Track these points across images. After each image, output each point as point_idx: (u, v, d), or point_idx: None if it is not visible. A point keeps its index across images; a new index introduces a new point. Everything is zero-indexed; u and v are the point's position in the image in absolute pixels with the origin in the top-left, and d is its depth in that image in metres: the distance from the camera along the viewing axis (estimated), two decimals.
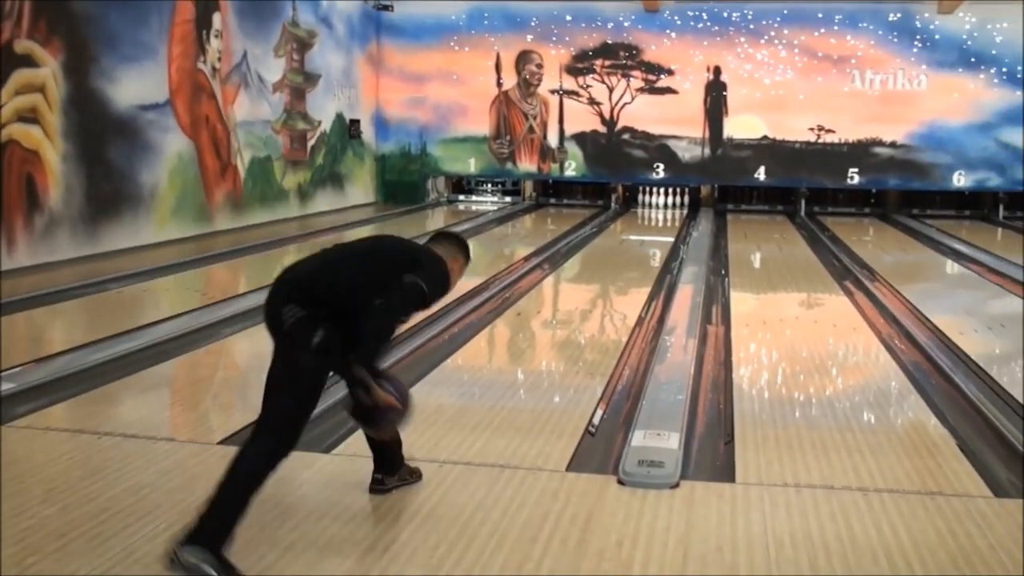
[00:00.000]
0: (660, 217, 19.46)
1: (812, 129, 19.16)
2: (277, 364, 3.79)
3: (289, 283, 3.83)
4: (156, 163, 12.50)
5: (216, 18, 13.76)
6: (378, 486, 4.26)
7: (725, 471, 4.69)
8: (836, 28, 18.85)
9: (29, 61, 10.24)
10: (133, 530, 3.84)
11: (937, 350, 7.25)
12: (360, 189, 19.39)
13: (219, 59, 13.89)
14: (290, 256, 12.43)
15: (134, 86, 11.94)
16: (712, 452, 5.05)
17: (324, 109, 17.61)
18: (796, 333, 8.27)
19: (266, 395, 3.78)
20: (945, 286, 11.81)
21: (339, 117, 18.26)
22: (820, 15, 18.83)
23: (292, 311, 3.69)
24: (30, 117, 10.27)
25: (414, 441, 4.99)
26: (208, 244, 12.73)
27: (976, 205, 19.27)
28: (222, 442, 4.94)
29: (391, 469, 4.30)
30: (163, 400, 6.16)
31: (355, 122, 18.89)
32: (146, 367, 6.50)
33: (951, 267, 13.00)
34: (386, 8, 19.78)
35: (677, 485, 4.40)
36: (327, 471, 4.55)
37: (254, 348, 7.41)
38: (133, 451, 4.79)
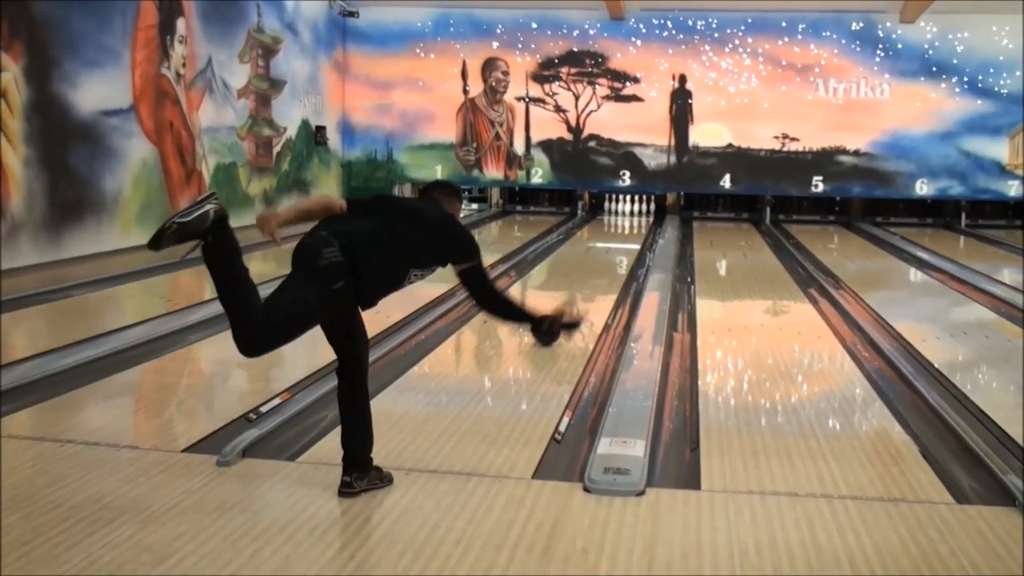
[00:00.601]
0: (626, 224, 19.52)
1: (777, 137, 19.31)
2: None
3: (347, 235, 4.19)
4: (120, 169, 12.41)
5: (180, 23, 13.68)
6: (347, 489, 4.26)
7: (691, 478, 4.71)
8: (800, 37, 19.01)
9: None
10: (97, 537, 3.80)
11: (900, 357, 7.31)
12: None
13: (183, 64, 13.82)
14: (256, 263, 12.36)
15: (97, 91, 11.86)
16: (678, 459, 5.06)
17: (290, 115, 17.55)
18: (761, 340, 8.31)
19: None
20: (908, 293, 11.91)
21: (305, 124, 18.21)
22: (784, 24, 18.98)
23: (333, 253, 4.15)
24: None
25: (380, 448, 4.98)
26: (173, 250, 12.63)
27: (939, 213, 19.48)
28: (186, 450, 4.90)
29: (361, 472, 4.30)
30: (127, 407, 6.11)
31: (321, 128, 18.84)
32: (110, 374, 6.44)
33: (914, 275, 13.11)
34: (352, 15, 19.75)
35: (643, 492, 4.40)
36: (292, 478, 4.53)
37: (220, 354, 7.37)
38: (96, 459, 4.75)
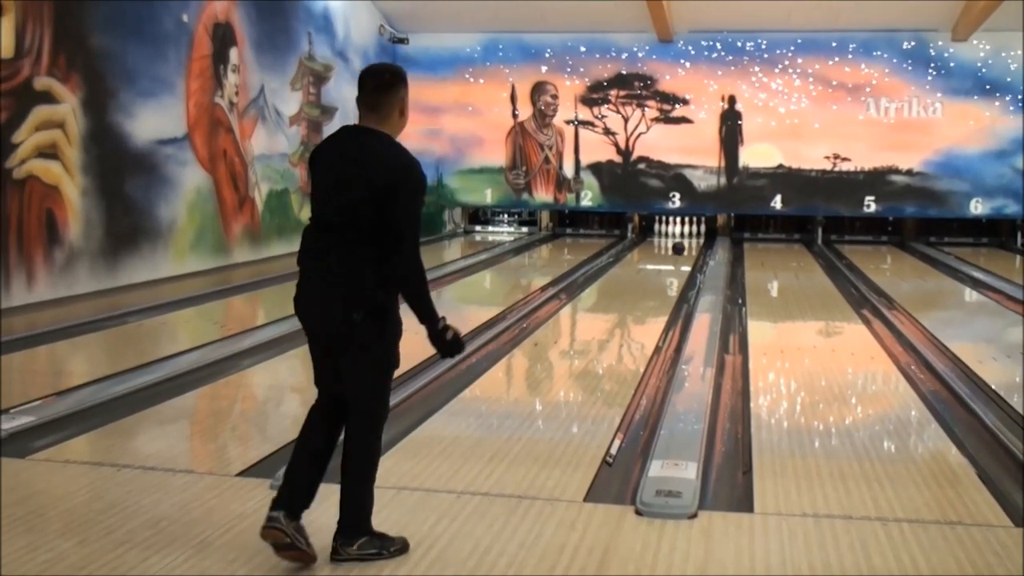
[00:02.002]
0: (678, 246, 19.44)
1: (828, 157, 19.17)
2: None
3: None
4: (174, 197, 12.58)
5: (233, 53, 13.88)
6: (335, 555, 3.86)
7: (743, 501, 4.68)
8: (850, 56, 18.89)
9: (49, 97, 10.34)
10: (151, 563, 3.84)
11: (956, 378, 7.22)
12: None
13: (236, 93, 14.00)
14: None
15: (152, 121, 12.05)
16: (730, 482, 5.03)
17: None
18: (814, 362, 8.25)
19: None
20: (963, 314, 11.77)
21: None
22: (834, 44, 18.88)
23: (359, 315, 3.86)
24: (50, 153, 10.37)
25: (432, 472, 5.01)
26: (227, 276, 12.80)
27: (993, 232, 19.23)
28: (240, 474, 4.95)
29: (351, 536, 3.88)
30: (182, 432, 6.18)
31: None
32: (165, 400, 6.52)
33: (969, 295, 12.95)
34: (401, 41, 19.91)
35: (695, 515, 4.38)
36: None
37: (272, 379, 7.44)
38: (152, 484, 4.81)
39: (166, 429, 6.08)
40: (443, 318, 4.02)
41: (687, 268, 15.12)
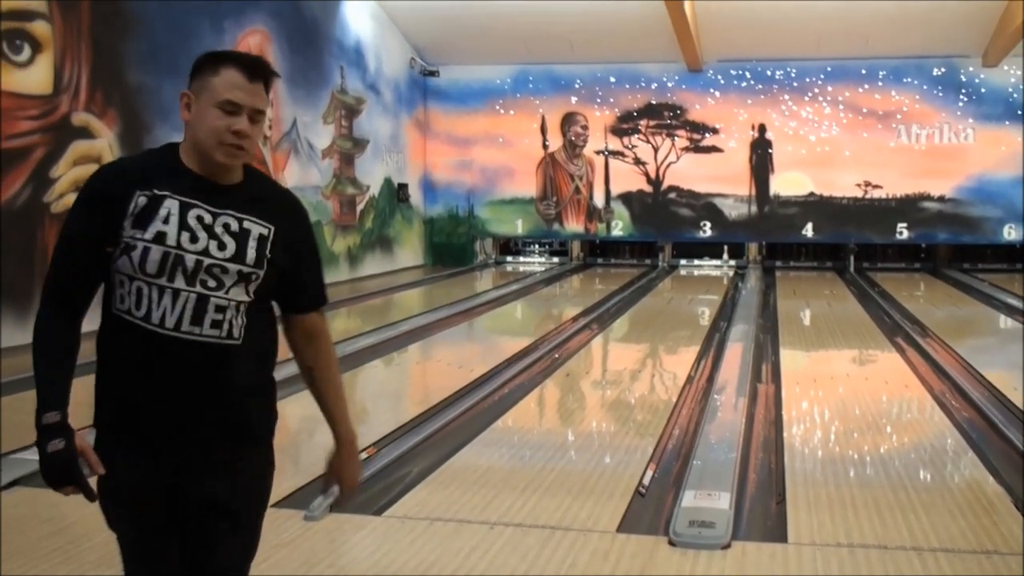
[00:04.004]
0: (708, 275, 19.42)
1: (859, 185, 19.12)
2: None
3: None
4: None
5: None
6: None
7: (777, 531, 4.66)
8: (880, 84, 18.86)
9: (86, 133, 10.49)
10: None
11: (991, 406, 7.17)
12: (409, 252, 19.55)
13: (270, 127, 14.15)
14: (340, 320, 12.55)
15: None
16: (764, 512, 5.02)
17: (372, 174, 17.83)
18: (848, 390, 8.21)
19: None
20: (998, 341, 11.68)
21: (387, 181, 18.48)
22: (864, 71, 18.86)
23: None
24: None
25: (465, 503, 5.02)
26: None
27: None
28: (274, 505, 4.97)
29: None
30: None
31: (403, 186, 19.11)
32: None
33: (1004, 322, 12.86)
34: (432, 74, 20.06)
35: (728, 546, 4.37)
36: (378, 533, 4.58)
37: (305, 411, 7.48)
38: None
39: None
40: (57, 422, 2.48)
41: (718, 297, 15.10)
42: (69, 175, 10.23)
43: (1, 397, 6.83)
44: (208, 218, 2.47)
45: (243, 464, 2.65)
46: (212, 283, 2.46)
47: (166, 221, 2.43)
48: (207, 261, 2.45)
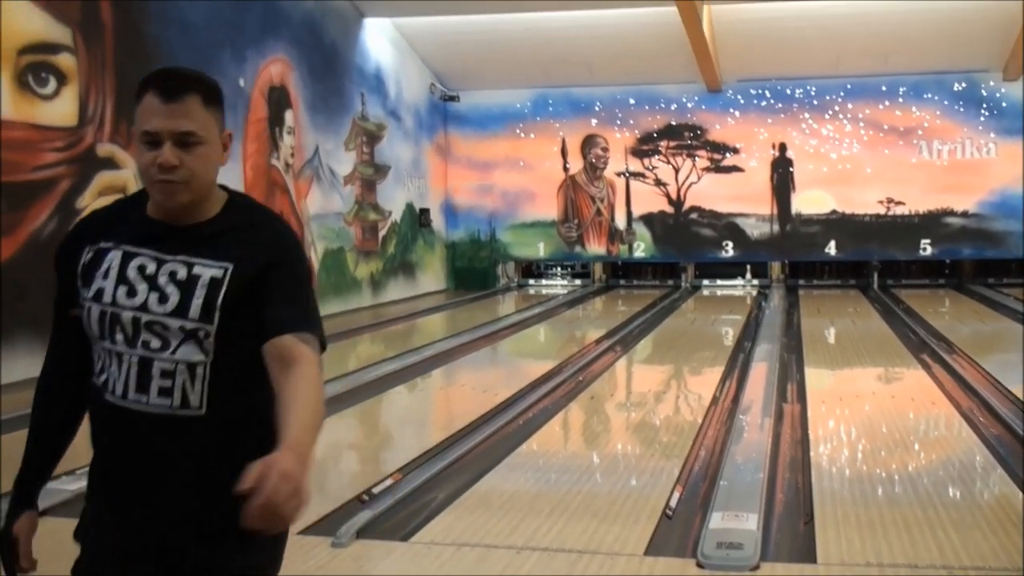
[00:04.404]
0: (731, 295, 19.37)
1: (881, 202, 19.07)
2: None
3: None
4: None
5: (288, 115, 14.12)
6: None
7: (806, 552, 4.63)
8: (901, 100, 18.84)
9: (111, 163, 10.58)
10: None
11: (1019, 422, 7.10)
12: (431, 277, 19.60)
13: (292, 155, 14.23)
14: (364, 345, 12.59)
15: None
16: (792, 532, 4.99)
17: (394, 199, 17.90)
18: (874, 408, 8.17)
19: None
20: None
21: (409, 207, 18.55)
22: (884, 88, 18.83)
23: None
24: None
25: (491, 527, 5.02)
26: None
27: None
28: (302, 532, 4.98)
29: None
30: None
31: (425, 211, 19.17)
32: None
33: None
34: (452, 99, 20.15)
35: (757, 567, 4.35)
36: (406, 559, 4.58)
37: (332, 437, 7.49)
38: None
39: None
40: (10, 503, 2.33)
41: (742, 317, 15.05)
42: (94, 206, 10.29)
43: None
44: (151, 267, 2.14)
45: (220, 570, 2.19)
46: (155, 343, 2.11)
47: (106, 276, 2.15)
48: (145, 317, 2.11)
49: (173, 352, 2.10)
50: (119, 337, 2.13)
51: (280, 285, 2.16)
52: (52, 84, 9.81)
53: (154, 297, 2.11)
